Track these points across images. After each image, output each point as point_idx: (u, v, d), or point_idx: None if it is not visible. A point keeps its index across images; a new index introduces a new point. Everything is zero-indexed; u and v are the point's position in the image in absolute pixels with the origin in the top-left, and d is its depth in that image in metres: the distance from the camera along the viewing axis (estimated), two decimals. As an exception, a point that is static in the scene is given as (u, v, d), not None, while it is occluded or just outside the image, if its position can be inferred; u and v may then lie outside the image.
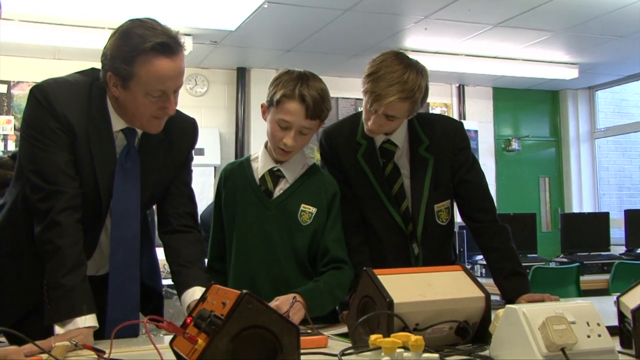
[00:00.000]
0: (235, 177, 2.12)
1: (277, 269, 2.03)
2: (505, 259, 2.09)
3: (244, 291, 1.14)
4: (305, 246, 2.04)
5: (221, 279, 2.10)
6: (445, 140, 2.15)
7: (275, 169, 2.07)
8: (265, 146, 2.11)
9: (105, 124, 1.76)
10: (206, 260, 2.08)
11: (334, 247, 2.04)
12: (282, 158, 2.05)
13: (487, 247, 2.15)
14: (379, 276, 1.49)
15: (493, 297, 1.61)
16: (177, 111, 1.87)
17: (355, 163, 2.13)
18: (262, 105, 2.07)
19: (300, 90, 1.94)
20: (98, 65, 1.78)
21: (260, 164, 2.10)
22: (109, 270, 1.79)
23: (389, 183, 2.13)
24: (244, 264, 2.06)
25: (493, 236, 2.13)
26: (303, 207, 2.05)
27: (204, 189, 5.93)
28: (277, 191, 2.06)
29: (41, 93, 1.70)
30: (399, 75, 1.93)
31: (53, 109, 1.69)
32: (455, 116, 7.22)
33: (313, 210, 2.05)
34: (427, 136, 2.14)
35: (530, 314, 1.24)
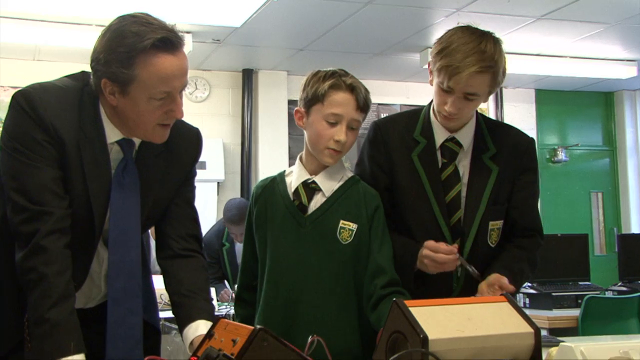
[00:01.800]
0: (266, 193, 2.15)
1: (315, 295, 2.03)
2: (509, 258, 2.13)
3: (258, 326, 1.14)
4: (346, 268, 2.05)
5: (249, 312, 2.13)
6: (514, 154, 2.17)
7: (309, 180, 2.09)
8: (301, 159, 2.14)
9: (98, 135, 1.78)
10: (234, 289, 2.08)
11: (390, 267, 2.05)
12: (332, 160, 2.07)
13: (504, 250, 2.18)
14: (410, 308, 1.48)
15: (544, 333, 1.60)
16: (179, 120, 1.89)
17: (408, 162, 2.15)
18: (296, 112, 2.12)
19: (346, 79, 2.03)
20: (86, 67, 1.80)
21: (294, 176, 2.13)
22: (108, 302, 1.80)
23: (445, 189, 2.14)
24: (275, 290, 2.06)
25: (517, 248, 2.18)
26: (342, 223, 2.06)
27: (206, 208, 5.94)
28: (312, 206, 2.08)
29: (26, 100, 1.72)
30: (475, 45, 1.97)
31: (39, 118, 1.70)
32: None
33: (354, 227, 2.06)
34: (494, 144, 2.17)
35: (590, 353, 1.23)
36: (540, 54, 6.26)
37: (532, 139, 2.27)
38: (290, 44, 5.90)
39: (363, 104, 2.04)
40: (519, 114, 7.46)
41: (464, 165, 2.16)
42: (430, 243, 2.04)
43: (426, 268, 2.06)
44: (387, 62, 6.40)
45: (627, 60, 6.53)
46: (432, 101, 2.18)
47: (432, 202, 2.12)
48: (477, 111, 2.20)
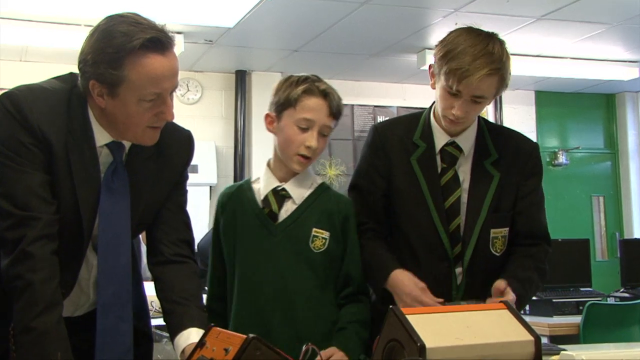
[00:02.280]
0: (234, 201, 2.15)
1: (289, 305, 2.04)
2: (517, 267, 2.11)
3: (251, 335, 1.14)
4: (320, 277, 2.06)
5: (221, 323, 2.08)
6: (517, 160, 2.18)
7: (279, 187, 2.10)
8: (269, 165, 2.15)
9: (87, 138, 1.78)
10: (204, 298, 2.08)
11: (357, 275, 2.10)
12: (301, 168, 2.08)
13: (511, 259, 2.17)
14: (407, 316, 1.48)
15: (544, 341, 1.60)
16: (170, 122, 1.89)
17: (407, 166, 2.16)
18: (267, 116, 2.11)
19: (320, 85, 2.06)
20: (74, 68, 1.80)
21: (263, 184, 2.13)
22: (97, 309, 1.79)
23: (444, 194, 2.14)
24: (248, 302, 2.06)
25: (524, 257, 2.16)
26: (315, 231, 2.07)
27: (198, 212, 5.91)
28: (283, 214, 2.09)
29: (12, 102, 1.71)
30: (483, 47, 1.98)
31: (26, 121, 1.70)
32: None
33: (326, 234, 2.08)
34: (496, 149, 2.18)
35: (591, 361, 1.23)
36: (540, 55, 6.27)
37: (536, 144, 2.28)
38: (284, 45, 5.89)
39: (336, 111, 2.06)
40: (519, 116, 7.46)
41: (464, 171, 2.17)
42: (413, 293, 2.01)
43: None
44: (383, 63, 6.40)
45: (629, 62, 6.54)
46: (432, 105, 2.20)
47: (430, 208, 2.12)
48: (478, 115, 2.20)
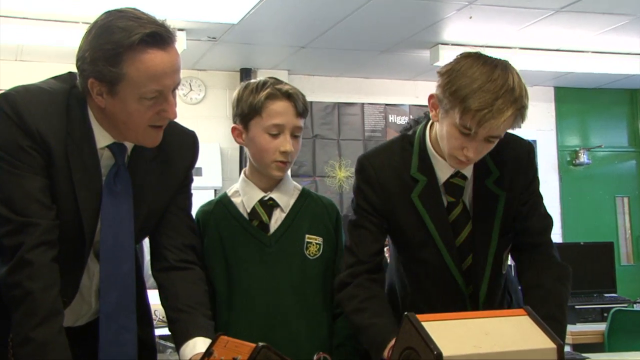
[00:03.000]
0: (216, 218, 2.17)
1: (290, 316, 2.08)
2: (544, 301, 2.01)
3: (260, 344, 1.15)
4: (317, 284, 2.11)
5: None
6: (517, 170, 2.08)
7: (266, 197, 2.13)
8: (246, 175, 2.18)
9: (87, 140, 1.79)
10: None
11: None
12: (281, 173, 2.11)
13: (528, 284, 2.10)
14: (423, 323, 1.48)
15: (567, 349, 1.60)
16: (174, 123, 1.90)
17: (408, 204, 2.04)
18: (233, 129, 2.16)
19: (281, 87, 2.08)
20: (73, 68, 1.81)
21: (245, 196, 2.16)
22: (100, 318, 1.80)
23: (455, 231, 2.05)
24: (247, 317, 2.09)
25: (541, 272, 2.09)
26: (308, 237, 2.12)
27: (201, 218, 5.95)
28: (274, 224, 2.12)
29: (9, 104, 1.72)
30: (503, 83, 1.84)
31: (24, 123, 1.71)
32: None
33: (320, 240, 2.13)
34: (496, 165, 2.08)
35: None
36: (560, 49, 6.26)
37: (530, 144, 2.17)
38: (291, 42, 5.90)
39: (302, 110, 2.09)
40: (537, 113, 7.44)
41: (469, 197, 2.07)
42: None
43: None
44: (394, 59, 6.40)
45: (654, 55, 6.53)
46: (424, 130, 2.09)
47: (440, 248, 2.03)
48: None
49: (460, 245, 2.06)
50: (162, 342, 3.38)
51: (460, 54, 1.96)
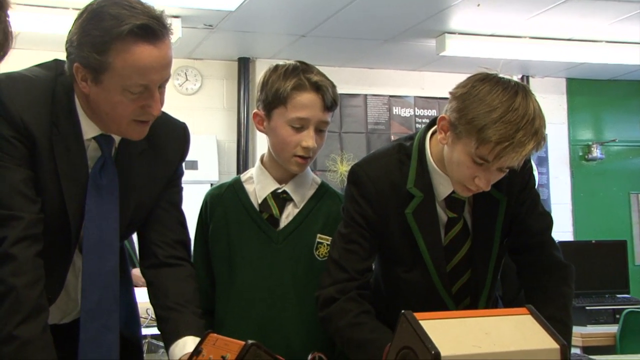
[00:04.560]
0: (225, 204, 2.14)
1: (291, 319, 2.06)
2: (547, 302, 1.99)
3: (250, 341, 1.15)
4: None
5: None
6: (514, 171, 1.95)
7: (280, 190, 2.09)
8: (262, 162, 2.14)
9: (73, 131, 1.79)
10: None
11: None
12: (300, 169, 2.07)
13: (530, 285, 2.10)
14: (421, 322, 1.48)
15: (576, 352, 1.60)
16: (164, 114, 1.90)
17: (402, 220, 1.99)
18: (255, 115, 2.10)
19: (310, 77, 2.00)
20: (62, 55, 1.81)
21: (258, 185, 2.12)
22: (81, 316, 1.80)
23: (453, 250, 2.03)
24: (247, 315, 2.07)
25: (542, 272, 2.08)
26: (319, 237, 2.08)
27: (198, 212, 5.93)
28: (284, 219, 2.09)
29: None
30: (523, 112, 1.79)
31: (8, 112, 1.71)
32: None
33: (331, 241, 2.06)
34: None
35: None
36: (572, 38, 6.25)
37: None
38: (290, 30, 5.90)
39: (330, 103, 2.02)
40: (548, 106, 7.42)
41: (466, 209, 2.03)
42: None
43: None
44: (399, 49, 6.40)
45: (671, 45, 6.51)
46: (423, 138, 2.03)
47: (430, 272, 2.01)
48: None
49: (455, 266, 2.03)
50: (154, 341, 3.39)
51: (475, 76, 1.89)
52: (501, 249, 2.07)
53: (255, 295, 2.07)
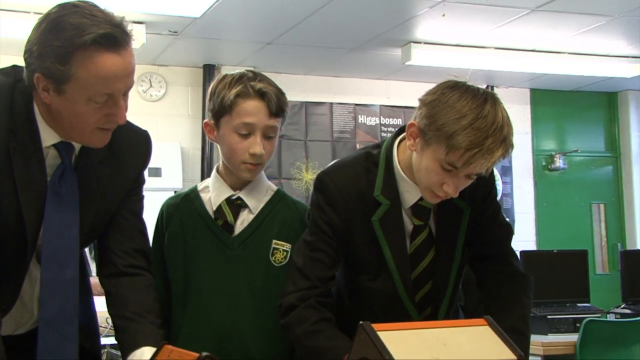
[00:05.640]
0: (181, 212, 2.14)
1: (247, 326, 2.05)
2: (506, 312, 2.00)
3: (204, 354, 1.15)
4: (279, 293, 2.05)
5: None
6: (477, 180, 1.97)
7: (234, 197, 2.10)
8: (218, 171, 2.15)
9: (32, 138, 1.77)
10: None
11: None
12: (251, 175, 2.08)
13: (489, 295, 2.11)
14: (379, 332, 1.49)
15: (531, 359, 1.62)
16: (126, 121, 1.89)
17: (368, 227, 2.00)
18: (205, 124, 2.12)
19: (254, 84, 2.03)
20: (20, 60, 1.79)
21: (213, 193, 2.13)
22: (39, 326, 1.79)
23: (414, 262, 2.04)
24: (202, 323, 2.07)
25: (501, 283, 2.10)
26: (275, 243, 2.09)
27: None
28: (239, 225, 2.10)
29: None
30: (492, 120, 1.80)
31: (-39, 119, 1.70)
32: (483, 126, 7.25)
33: (287, 247, 2.09)
34: None
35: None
36: (536, 49, 6.32)
37: None
38: (256, 37, 5.90)
39: (276, 110, 2.03)
40: (512, 116, 7.23)
41: (431, 217, 2.05)
42: None
43: None
44: (365, 58, 6.43)
45: (632, 57, 6.60)
46: (390, 146, 2.04)
47: (395, 280, 2.02)
48: None
49: (419, 275, 2.05)
50: (113, 351, 3.36)
51: (444, 83, 1.91)
52: (463, 258, 2.09)
53: (211, 302, 2.06)
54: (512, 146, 1.87)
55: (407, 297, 2.03)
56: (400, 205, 2.01)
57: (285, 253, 2.08)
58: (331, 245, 2.00)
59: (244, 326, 2.05)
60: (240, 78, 2.04)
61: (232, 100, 2.01)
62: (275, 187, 2.18)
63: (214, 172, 2.17)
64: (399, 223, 2.01)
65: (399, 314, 1.99)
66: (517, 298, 2.07)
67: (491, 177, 2.10)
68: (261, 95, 2.02)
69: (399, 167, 2.01)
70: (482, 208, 2.09)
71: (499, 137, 1.81)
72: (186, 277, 2.09)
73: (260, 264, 2.07)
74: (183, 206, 2.15)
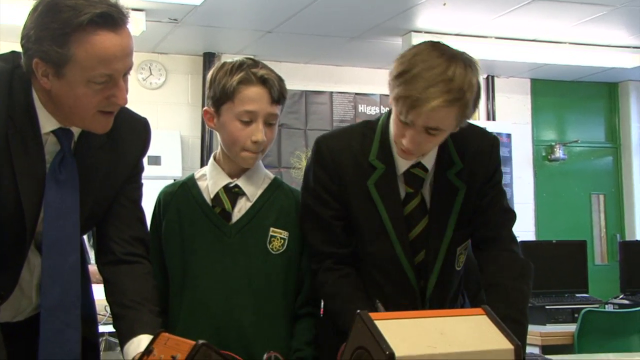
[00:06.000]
0: (178, 201, 2.14)
1: (245, 313, 2.06)
2: (505, 301, 2.02)
3: (200, 341, 1.15)
4: (278, 281, 2.09)
5: None
6: (479, 162, 2.10)
7: (232, 184, 2.11)
8: (215, 159, 2.16)
9: (31, 125, 1.76)
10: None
11: (309, 279, 2.12)
12: (252, 163, 2.09)
13: (488, 281, 2.12)
14: (376, 322, 1.49)
15: (529, 349, 1.62)
16: (125, 108, 1.89)
17: (364, 192, 2.06)
18: (205, 112, 2.12)
19: (256, 71, 2.03)
20: (17, 47, 1.78)
21: (211, 181, 2.13)
22: (41, 314, 1.78)
23: (409, 225, 2.08)
24: (199, 311, 2.07)
25: (501, 269, 2.10)
26: (273, 231, 2.10)
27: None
28: (237, 213, 2.10)
29: None
30: (441, 71, 1.85)
31: (-41, 106, 1.69)
32: (483, 116, 7.26)
33: (285, 234, 2.10)
34: (460, 156, 2.10)
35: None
36: (537, 39, 6.31)
37: (495, 138, 2.19)
38: (257, 25, 5.89)
39: (278, 96, 2.05)
40: (513, 106, 7.51)
41: (427, 190, 2.10)
42: None
43: None
44: (365, 46, 6.42)
45: (633, 47, 6.60)
46: (387, 117, 2.10)
47: (393, 241, 2.06)
48: None
49: (413, 239, 2.08)
50: (112, 339, 3.37)
51: (423, 43, 1.97)
52: (456, 237, 2.10)
53: (208, 290, 2.07)
54: (462, 101, 1.88)
55: (405, 259, 2.06)
56: (395, 171, 2.06)
57: (282, 241, 2.09)
58: (323, 204, 2.08)
59: (242, 314, 2.05)
60: (240, 65, 2.05)
61: (234, 87, 2.02)
62: (272, 176, 2.19)
63: (211, 159, 2.17)
64: (394, 187, 2.07)
65: (400, 281, 2.07)
66: (517, 286, 2.08)
67: (494, 161, 2.14)
68: (263, 81, 2.03)
69: (392, 135, 2.04)
70: (483, 191, 2.12)
71: (442, 88, 1.84)
72: (184, 265, 2.09)
73: (257, 251, 2.08)
74: (180, 194, 2.15)
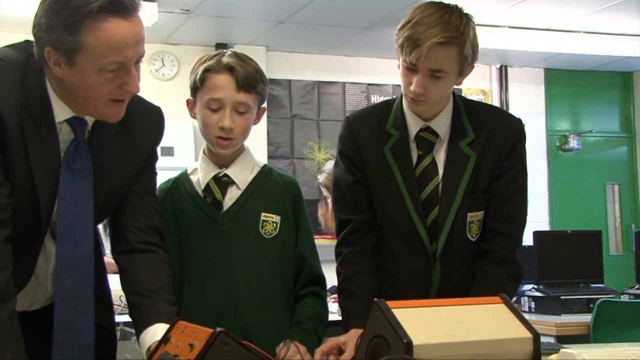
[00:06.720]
0: (171, 196, 2.20)
1: (243, 297, 2.09)
2: (488, 291, 2.03)
3: (218, 329, 1.14)
4: (273, 264, 2.13)
5: None
6: (496, 138, 2.20)
7: (220, 174, 2.15)
8: (204, 152, 2.21)
9: (45, 114, 1.77)
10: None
11: (311, 256, 2.20)
12: (224, 149, 2.12)
13: (480, 270, 2.19)
14: (393, 310, 1.49)
15: (544, 339, 1.61)
16: (138, 97, 1.89)
17: (381, 158, 2.20)
18: (187, 102, 2.19)
19: (225, 59, 2.08)
20: (30, 37, 1.78)
21: (201, 173, 2.18)
22: (55, 302, 1.79)
23: (420, 185, 2.18)
24: (198, 298, 2.10)
25: (495, 264, 2.18)
26: (264, 216, 2.14)
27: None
28: (228, 201, 2.14)
29: None
30: (439, 17, 2.03)
31: (-25, 94, 1.69)
32: (496, 105, 7.23)
33: (277, 218, 2.15)
34: (473, 129, 2.21)
35: (591, 360, 1.24)
36: (550, 28, 6.28)
37: (519, 120, 2.29)
38: (269, 16, 5.88)
39: (244, 84, 2.07)
40: (526, 96, 7.49)
41: (441, 156, 2.21)
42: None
43: None
44: (378, 37, 6.40)
45: (649, 37, 6.57)
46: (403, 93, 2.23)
47: (405, 200, 2.17)
48: (455, 94, 2.24)
49: (425, 200, 2.18)
50: (127, 329, 3.37)
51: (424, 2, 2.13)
52: (465, 201, 2.16)
53: (206, 278, 2.11)
54: (459, 39, 2.04)
55: (418, 219, 2.16)
56: (408, 136, 2.20)
57: (274, 224, 2.14)
58: (345, 172, 2.23)
59: (239, 299, 2.09)
60: (215, 55, 2.11)
61: (201, 74, 2.08)
62: (262, 164, 2.25)
63: (200, 153, 2.23)
64: (407, 151, 2.20)
65: (414, 241, 2.17)
66: (503, 283, 2.14)
67: (513, 137, 2.21)
68: (229, 69, 2.07)
69: (404, 101, 2.21)
70: (500, 170, 2.18)
71: (440, 28, 2.01)
72: (181, 257, 2.14)
73: (250, 237, 2.12)
74: (173, 189, 2.21)
